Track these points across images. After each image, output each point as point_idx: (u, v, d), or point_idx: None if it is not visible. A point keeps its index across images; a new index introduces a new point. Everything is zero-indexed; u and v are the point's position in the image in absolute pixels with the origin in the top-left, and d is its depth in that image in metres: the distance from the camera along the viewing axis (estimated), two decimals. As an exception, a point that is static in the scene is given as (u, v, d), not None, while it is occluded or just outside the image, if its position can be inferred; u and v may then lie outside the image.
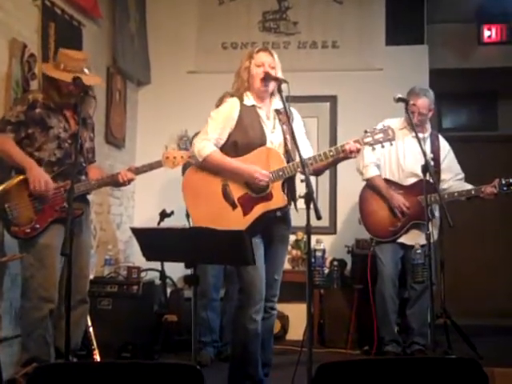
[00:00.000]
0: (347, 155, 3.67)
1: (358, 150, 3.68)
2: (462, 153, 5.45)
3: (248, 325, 3.67)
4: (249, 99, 3.77)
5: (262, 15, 6.76)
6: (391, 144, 3.80)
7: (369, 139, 3.72)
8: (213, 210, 3.66)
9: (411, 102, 4.82)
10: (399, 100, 4.37)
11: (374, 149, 3.80)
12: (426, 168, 4.19)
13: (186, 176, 3.85)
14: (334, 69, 6.60)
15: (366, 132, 3.73)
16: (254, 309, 3.66)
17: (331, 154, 3.68)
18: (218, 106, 4.84)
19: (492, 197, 4.98)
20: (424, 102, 5.09)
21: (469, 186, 5.11)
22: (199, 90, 6.34)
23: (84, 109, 4.03)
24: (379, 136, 3.72)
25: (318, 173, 3.95)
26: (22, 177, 3.91)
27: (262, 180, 3.63)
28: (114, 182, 4.17)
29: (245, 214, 3.66)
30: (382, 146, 3.78)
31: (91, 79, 4.09)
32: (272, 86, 3.73)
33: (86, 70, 4.04)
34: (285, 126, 3.80)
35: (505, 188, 4.94)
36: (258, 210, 3.67)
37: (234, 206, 3.68)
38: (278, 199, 3.69)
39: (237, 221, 3.61)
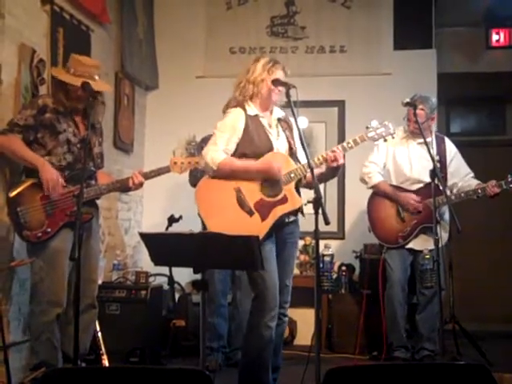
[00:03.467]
0: (332, 161, 3.70)
1: (337, 157, 3.68)
2: (471, 157, 5.44)
3: (264, 332, 3.66)
4: (252, 109, 3.80)
5: (269, 20, 6.77)
6: (393, 137, 3.89)
7: (372, 134, 3.80)
8: (230, 219, 3.66)
9: (419, 107, 4.82)
10: (407, 104, 4.39)
11: (377, 145, 3.88)
12: (434, 173, 4.19)
13: (199, 187, 3.83)
14: (342, 73, 6.59)
15: (367, 127, 3.80)
16: (269, 316, 3.65)
17: (319, 162, 3.72)
18: (225, 112, 4.88)
19: (496, 195, 4.98)
20: (420, 111, 5.04)
21: (475, 182, 5.10)
22: (207, 94, 6.34)
23: (93, 114, 4.04)
24: (381, 130, 3.81)
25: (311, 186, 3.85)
26: (33, 180, 3.93)
27: (278, 172, 3.64)
28: (124, 186, 4.18)
29: (263, 219, 3.66)
30: (385, 140, 3.86)
31: (100, 85, 4.10)
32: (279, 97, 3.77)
33: (96, 77, 4.05)
34: (288, 133, 3.84)
35: (511, 185, 4.94)
36: (276, 213, 3.68)
37: (251, 213, 3.68)
38: (294, 201, 3.71)
39: (255, 227, 3.59)
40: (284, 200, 3.70)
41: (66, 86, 4.01)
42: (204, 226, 3.94)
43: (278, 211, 3.68)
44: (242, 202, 3.70)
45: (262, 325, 3.66)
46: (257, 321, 3.68)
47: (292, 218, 3.78)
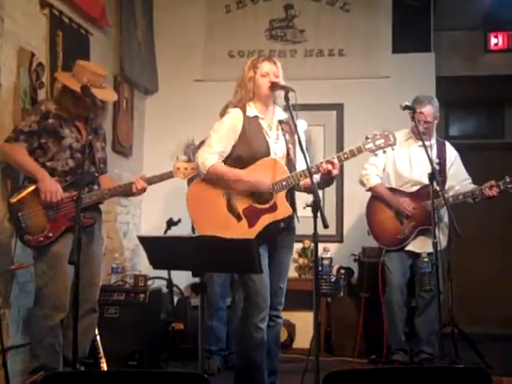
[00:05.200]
0: (325, 174, 3.66)
1: (332, 170, 3.63)
2: (469, 161, 5.44)
3: (254, 333, 3.66)
4: (251, 110, 3.78)
5: (268, 23, 6.77)
6: (392, 149, 3.78)
7: (370, 145, 3.72)
8: (218, 223, 3.67)
9: (418, 110, 4.83)
10: (406, 108, 4.38)
11: (376, 155, 3.79)
12: (433, 176, 4.20)
13: (191, 189, 3.86)
14: (341, 77, 6.60)
15: (367, 138, 3.72)
16: (259, 317, 3.66)
17: (313, 170, 3.64)
18: (222, 114, 4.88)
19: (493, 197, 4.96)
20: (429, 110, 5.10)
21: (473, 186, 5.10)
22: (206, 98, 6.34)
23: (95, 118, 4.06)
24: (380, 142, 3.72)
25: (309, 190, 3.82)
26: (35, 186, 3.93)
27: (266, 187, 3.63)
28: (126, 191, 4.19)
29: (250, 225, 3.66)
30: (384, 152, 3.77)
31: (106, 94, 4.10)
32: (278, 93, 3.74)
33: (103, 85, 4.07)
34: (287, 136, 3.81)
35: (509, 186, 4.94)
36: (264, 221, 3.67)
37: (239, 218, 3.68)
38: (283, 209, 3.70)
39: (242, 233, 3.60)
40: (273, 208, 3.68)
41: (72, 92, 4.01)
42: (193, 227, 3.95)
43: (266, 219, 3.67)
44: (231, 207, 3.70)
45: (252, 326, 3.67)
46: (247, 322, 3.69)
47: (283, 225, 3.75)
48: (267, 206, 3.69)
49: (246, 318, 3.71)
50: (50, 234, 3.92)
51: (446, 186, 5.14)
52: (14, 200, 3.91)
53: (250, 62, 3.84)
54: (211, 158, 3.70)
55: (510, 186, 4.94)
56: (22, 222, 3.90)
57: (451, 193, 5.12)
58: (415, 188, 5.16)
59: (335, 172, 3.64)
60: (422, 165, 5.04)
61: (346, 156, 3.69)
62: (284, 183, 3.67)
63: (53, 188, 3.90)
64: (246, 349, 3.73)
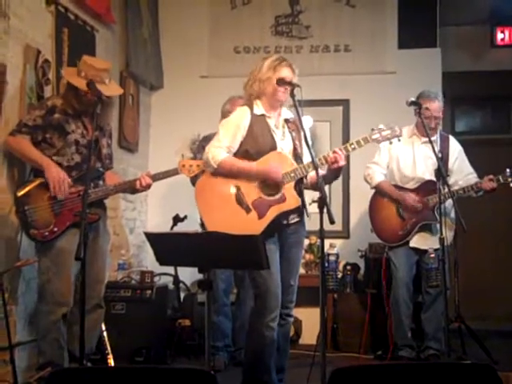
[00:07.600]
0: (332, 163, 3.68)
1: (339, 159, 3.67)
2: (476, 156, 5.43)
3: (265, 332, 3.67)
4: (258, 108, 3.80)
5: (274, 19, 6.76)
6: (399, 140, 3.83)
7: (376, 136, 3.78)
8: (227, 215, 3.68)
9: (425, 106, 4.82)
10: (412, 103, 4.38)
11: (379, 142, 3.84)
12: (439, 172, 4.19)
13: (199, 183, 3.87)
14: (347, 72, 6.59)
15: (373, 130, 3.78)
16: (270, 316, 3.66)
17: (320, 162, 3.68)
18: (223, 110, 4.91)
19: (492, 190, 4.95)
20: (438, 106, 5.09)
21: (473, 181, 5.09)
22: (212, 94, 6.34)
23: (102, 115, 4.06)
24: (386, 133, 3.79)
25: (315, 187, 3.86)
26: (41, 180, 3.95)
27: (278, 175, 3.64)
28: (131, 187, 4.20)
29: (260, 217, 3.67)
30: (390, 143, 3.83)
31: (111, 90, 4.11)
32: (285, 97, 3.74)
33: (106, 81, 4.06)
34: (294, 134, 3.83)
35: (510, 179, 4.92)
36: (273, 212, 3.68)
37: (248, 210, 3.69)
38: (292, 200, 3.71)
39: (252, 224, 3.61)
40: (282, 199, 3.70)
41: (76, 89, 4.03)
42: (202, 221, 3.97)
43: (276, 210, 3.69)
44: (240, 199, 3.71)
45: (263, 325, 3.67)
46: (258, 321, 3.69)
47: (296, 219, 3.77)
48: (276, 197, 3.70)
49: (257, 316, 3.71)
50: (55, 229, 3.93)
51: (451, 181, 5.11)
52: (20, 193, 3.93)
53: (270, 61, 3.77)
54: (221, 152, 3.72)
55: (510, 179, 4.92)
56: (28, 216, 3.91)
57: (456, 187, 5.10)
58: (418, 185, 5.15)
59: (342, 163, 3.68)
60: (427, 162, 5.04)
61: (353, 147, 3.74)
62: (292, 174, 3.70)
63: (61, 175, 3.92)
64: (255, 347, 3.73)
